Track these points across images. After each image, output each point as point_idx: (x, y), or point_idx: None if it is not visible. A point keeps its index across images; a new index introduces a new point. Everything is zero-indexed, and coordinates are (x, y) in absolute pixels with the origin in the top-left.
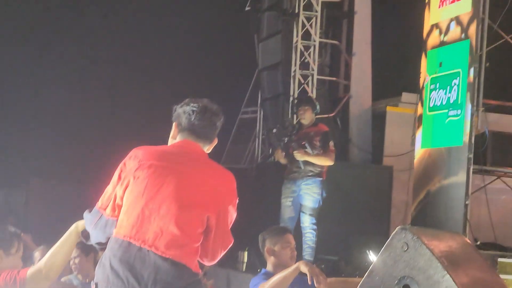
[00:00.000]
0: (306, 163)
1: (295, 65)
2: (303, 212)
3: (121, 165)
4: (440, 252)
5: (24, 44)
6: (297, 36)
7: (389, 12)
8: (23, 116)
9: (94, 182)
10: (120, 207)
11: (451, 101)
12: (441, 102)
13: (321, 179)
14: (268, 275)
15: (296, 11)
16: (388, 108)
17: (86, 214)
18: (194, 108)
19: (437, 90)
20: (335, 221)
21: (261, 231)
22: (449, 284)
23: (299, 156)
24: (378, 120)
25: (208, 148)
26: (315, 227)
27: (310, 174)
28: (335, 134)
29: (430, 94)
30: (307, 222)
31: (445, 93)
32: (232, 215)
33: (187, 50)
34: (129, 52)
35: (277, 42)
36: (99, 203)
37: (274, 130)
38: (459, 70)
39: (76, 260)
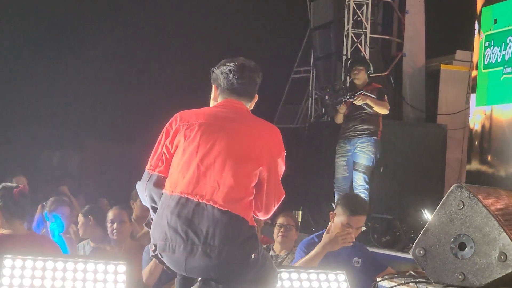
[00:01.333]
0: (363, 121)
1: (348, 24)
2: (356, 170)
3: (166, 126)
4: (496, 210)
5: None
6: None
7: None
8: (79, 80)
9: (148, 143)
10: (169, 162)
11: (506, 58)
12: (496, 59)
13: (376, 138)
14: (320, 238)
15: None
16: (442, 66)
17: (137, 183)
18: (231, 67)
19: (492, 47)
20: (390, 179)
21: (314, 191)
22: (505, 241)
23: (360, 100)
24: (432, 79)
25: (250, 105)
26: (367, 186)
27: (366, 132)
28: (389, 93)
29: (484, 52)
30: (361, 181)
31: (500, 50)
32: (282, 167)
33: (239, 10)
34: (178, 15)
35: (329, 1)
36: (148, 165)
37: (327, 97)
38: None
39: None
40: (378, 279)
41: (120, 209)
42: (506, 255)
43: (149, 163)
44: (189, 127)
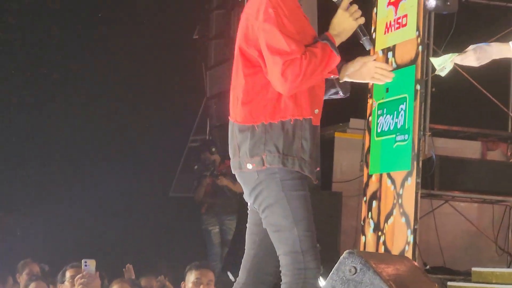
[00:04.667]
0: (229, 198)
1: None
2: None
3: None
4: (388, 275)
5: None
6: None
7: None
8: None
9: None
10: None
11: (399, 126)
12: (389, 127)
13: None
14: None
15: None
16: (337, 134)
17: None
18: None
19: (385, 115)
20: None
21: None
22: None
23: (222, 181)
24: (327, 146)
25: None
26: None
27: (231, 211)
28: None
29: (377, 120)
30: None
31: (392, 118)
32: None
33: (134, 77)
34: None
35: (225, 70)
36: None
37: (196, 167)
38: (406, 95)
39: None
40: None
41: None
42: None
43: None
44: None
